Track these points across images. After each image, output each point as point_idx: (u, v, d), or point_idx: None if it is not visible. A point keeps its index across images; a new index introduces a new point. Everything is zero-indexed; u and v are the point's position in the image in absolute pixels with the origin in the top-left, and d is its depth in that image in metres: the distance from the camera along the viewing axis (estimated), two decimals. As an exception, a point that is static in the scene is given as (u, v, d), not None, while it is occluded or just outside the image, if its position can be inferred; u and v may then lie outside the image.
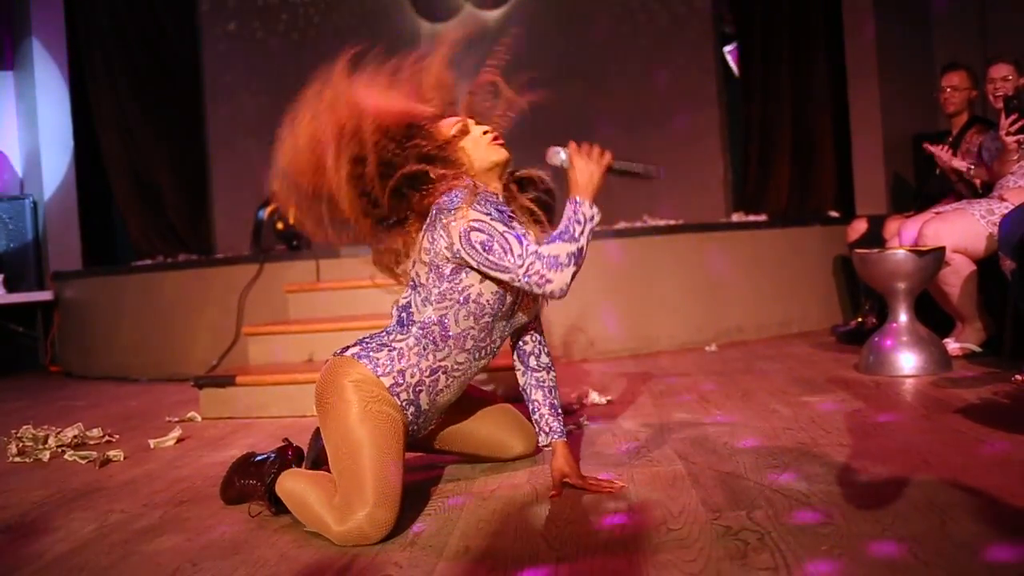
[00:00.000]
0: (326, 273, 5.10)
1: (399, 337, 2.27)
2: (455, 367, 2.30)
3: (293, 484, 2.22)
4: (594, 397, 3.58)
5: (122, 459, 3.13)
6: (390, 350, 2.25)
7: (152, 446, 3.32)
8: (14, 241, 6.45)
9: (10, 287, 6.34)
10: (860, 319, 4.89)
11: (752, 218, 6.22)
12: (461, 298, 2.22)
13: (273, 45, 8.06)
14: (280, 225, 5.58)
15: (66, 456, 3.21)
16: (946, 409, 2.95)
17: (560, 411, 2.46)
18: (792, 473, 2.28)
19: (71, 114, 6.78)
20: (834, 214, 6.25)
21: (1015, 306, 3.62)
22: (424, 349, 2.25)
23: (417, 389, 2.26)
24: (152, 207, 7.36)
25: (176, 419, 3.86)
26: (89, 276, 6.20)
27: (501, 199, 2.30)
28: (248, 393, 3.89)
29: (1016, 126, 3.89)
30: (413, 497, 2.36)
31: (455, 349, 2.27)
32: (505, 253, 2.09)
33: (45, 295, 6.39)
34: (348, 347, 2.30)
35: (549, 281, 2.07)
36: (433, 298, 2.23)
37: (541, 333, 2.53)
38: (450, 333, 2.25)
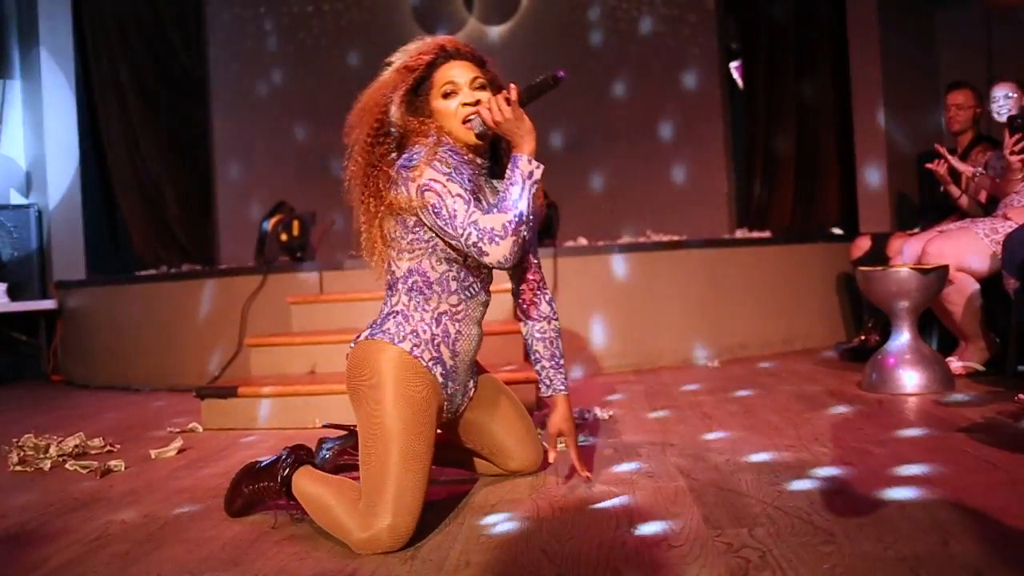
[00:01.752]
0: (329, 285, 5.10)
1: (394, 301, 2.32)
2: (453, 309, 2.33)
3: (312, 487, 2.23)
4: (596, 412, 3.57)
5: (123, 469, 3.13)
6: (394, 316, 2.29)
7: (153, 456, 3.31)
8: (18, 250, 6.46)
9: (14, 296, 6.34)
10: (863, 337, 4.88)
11: (756, 234, 6.22)
12: (429, 247, 2.27)
13: (279, 59, 8.09)
14: (284, 237, 5.59)
15: (67, 466, 3.20)
16: (949, 428, 2.95)
17: (562, 363, 2.48)
18: (794, 490, 2.27)
19: (77, 123, 6.80)
20: (838, 231, 6.25)
21: (1018, 325, 3.62)
22: (416, 302, 2.29)
23: (435, 342, 2.29)
24: (156, 217, 7.37)
25: (177, 430, 3.86)
26: (92, 286, 6.21)
27: (470, 159, 2.34)
28: (250, 404, 3.89)
29: (1020, 145, 3.89)
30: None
31: (443, 292, 2.31)
32: (450, 218, 2.13)
33: (48, 304, 6.40)
34: (359, 335, 2.34)
35: (486, 253, 2.10)
36: (404, 248, 2.28)
37: (541, 281, 2.54)
38: (431, 278, 2.29)
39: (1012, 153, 3.92)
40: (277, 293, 5.10)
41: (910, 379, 3.67)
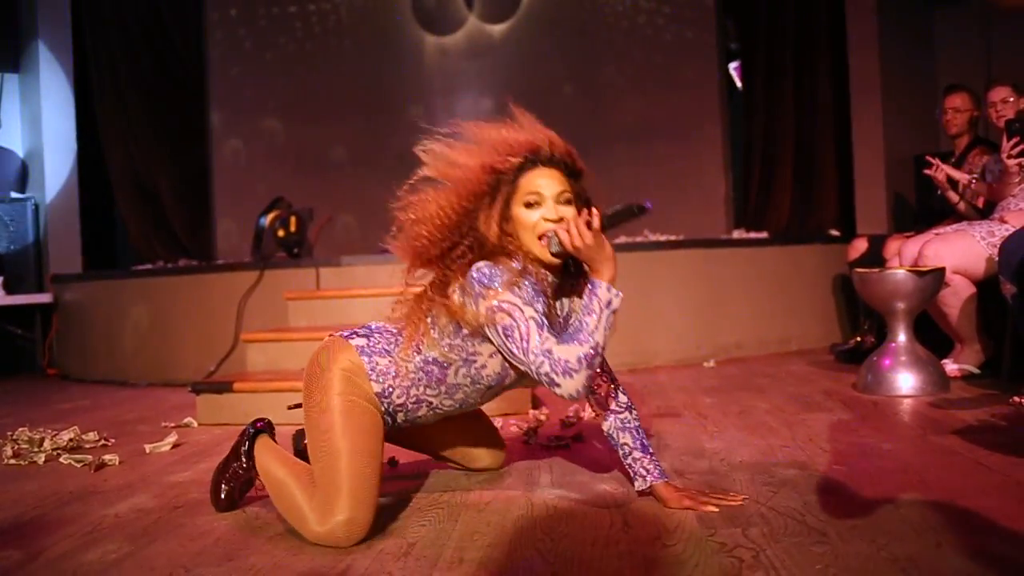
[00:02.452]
0: (326, 281, 5.10)
1: (403, 356, 2.23)
2: (439, 406, 2.31)
3: (274, 467, 2.27)
4: (591, 411, 3.57)
5: (117, 463, 3.12)
6: (391, 361, 2.24)
7: (148, 451, 3.31)
8: (15, 243, 6.45)
9: (10, 289, 6.33)
10: (859, 338, 4.89)
11: (753, 235, 6.23)
12: (464, 359, 2.21)
13: (278, 56, 8.07)
14: (281, 232, 5.58)
15: (61, 459, 3.20)
16: (943, 430, 2.95)
17: (652, 450, 2.35)
18: (788, 491, 2.27)
19: (75, 117, 6.79)
20: (835, 233, 6.25)
21: (1014, 329, 3.62)
22: (419, 380, 2.24)
23: (397, 409, 2.27)
24: (153, 212, 7.36)
25: (172, 424, 3.85)
26: (89, 280, 6.20)
27: (543, 278, 2.22)
28: (245, 400, 3.88)
29: (1017, 149, 3.89)
30: (408, 506, 2.36)
31: (444, 395, 2.28)
32: (523, 341, 2.04)
33: (44, 298, 6.39)
34: (356, 333, 2.31)
35: (557, 385, 2.01)
36: (443, 344, 2.21)
37: (611, 373, 2.42)
38: (447, 381, 2.25)
39: (1009, 157, 3.93)
40: (274, 289, 5.10)
41: (905, 381, 3.67)
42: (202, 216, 7.73)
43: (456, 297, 2.15)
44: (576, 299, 2.31)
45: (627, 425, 2.36)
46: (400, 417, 2.30)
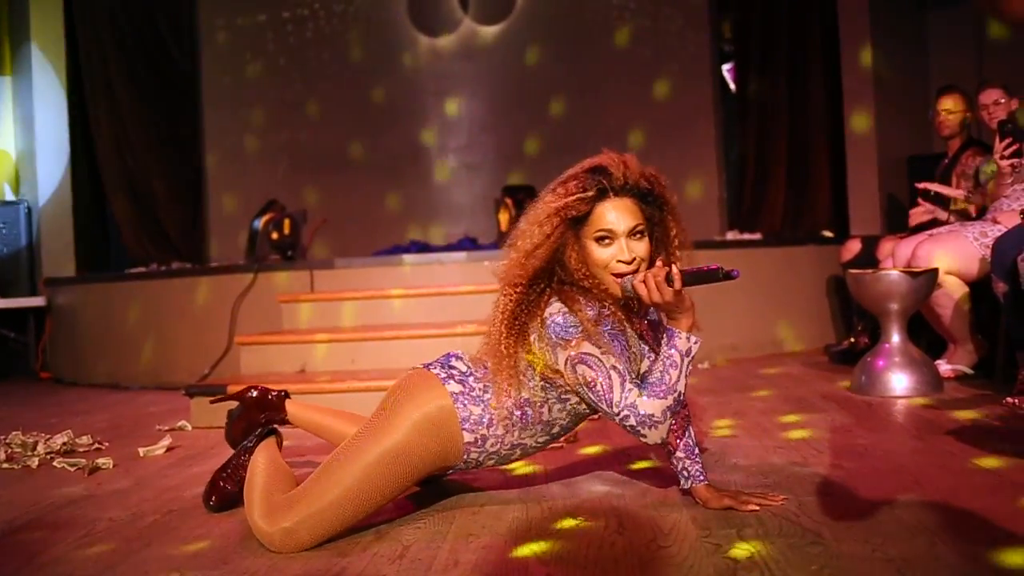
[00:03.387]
0: (320, 284, 5.09)
1: (495, 403, 2.19)
2: (535, 445, 2.29)
3: (263, 461, 2.31)
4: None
5: (111, 467, 3.11)
6: (484, 409, 2.19)
7: (142, 454, 3.30)
8: (7, 246, 6.43)
9: (2, 292, 6.31)
10: (853, 339, 4.90)
11: (747, 236, 6.23)
12: (558, 396, 2.20)
13: (271, 57, 8.07)
14: (275, 235, 5.58)
15: (55, 463, 3.19)
16: (937, 430, 2.96)
17: (698, 451, 2.32)
18: (783, 492, 2.27)
19: (67, 120, 6.77)
20: (828, 234, 6.26)
21: (1007, 329, 3.63)
22: (513, 425, 2.20)
23: (489, 457, 2.25)
24: (146, 215, 7.33)
25: (166, 428, 3.84)
26: (82, 283, 6.19)
27: (621, 317, 2.18)
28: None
29: (1010, 150, 3.91)
30: (403, 510, 2.36)
31: (541, 432, 2.25)
32: (606, 393, 2.03)
33: (37, 301, 6.37)
34: (451, 376, 2.23)
35: (644, 436, 2.02)
36: (533, 386, 2.18)
37: None
38: (543, 419, 2.22)
39: (1002, 158, 3.94)
40: (268, 291, 5.09)
41: (899, 382, 3.68)
42: (195, 219, 7.72)
43: (536, 345, 2.13)
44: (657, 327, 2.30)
45: (677, 427, 2.31)
46: (490, 463, 2.28)
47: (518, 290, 2.14)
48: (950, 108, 4.69)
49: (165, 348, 5.45)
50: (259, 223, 5.65)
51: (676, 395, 2.03)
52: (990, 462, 2.49)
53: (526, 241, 2.14)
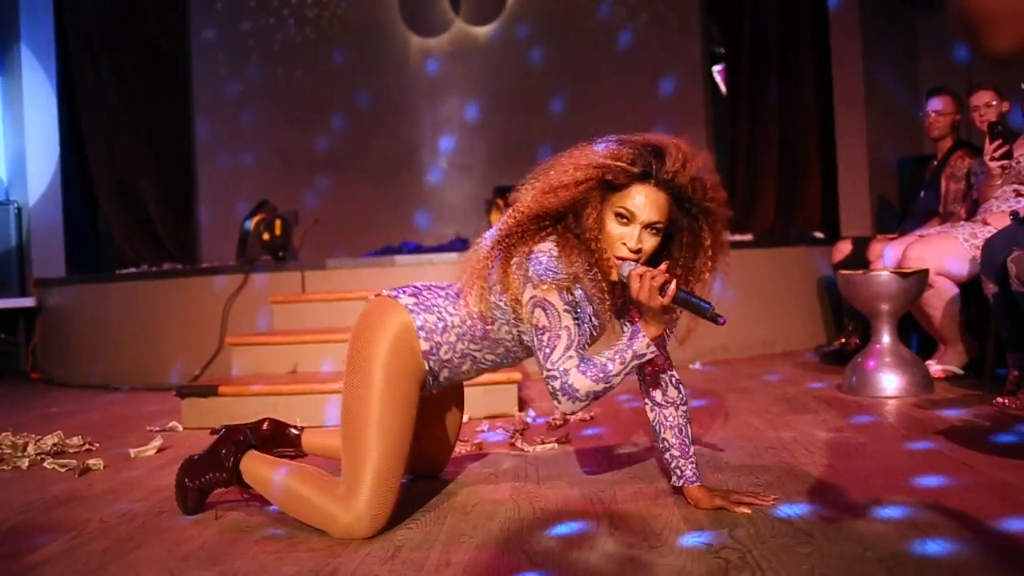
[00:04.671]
0: (312, 284, 5.09)
1: (451, 309, 2.27)
2: (483, 360, 2.33)
3: (276, 477, 2.25)
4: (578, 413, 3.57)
5: (102, 468, 3.10)
6: (439, 316, 2.26)
7: (133, 455, 3.29)
8: (-3, 247, 6.42)
9: (-8, 293, 6.30)
10: (843, 340, 4.91)
11: (738, 237, 6.24)
12: (507, 320, 2.23)
13: (262, 59, 8.06)
14: (266, 236, 5.57)
15: (45, 464, 3.18)
16: (928, 431, 2.97)
17: (692, 451, 2.31)
18: (774, 492, 2.28)
19: (58, 121, 6.76)
20: (819, 235, 6.28)
21: (997, 329, 3.65)
22: (463, 334, 2.26)
23: (444, 365, 2.29)
24: (137, 215, 7.32)
25: (157, 428, 3.84)
26: (72, 283, 6.17)
27: (602, 287, 2.17)
28: (231, 404, 3.87)
29: (1000, 151, 3.93)
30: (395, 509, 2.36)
31: (487, 349, 2.30)
32: (548, 347, 2.07)
33: (27, 302, 6.35)
34: (404, 290, 2.32)
35: (558, 400, 2.08)
36: (492, 302, 2.22)
37: (668, 361, 2.37)
38: (489, 336, 2.27)
39: (992, 159, 3.96)
40: (259, 292, 5.09)
41: (889, 382, 3.69)
42: (186, 219, 7.70)
43: (513, 269, 2.15)
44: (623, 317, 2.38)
45: (669, 422, 2.32)
46: (444, 374, 2.32)
47: (523, 216, 2.17)
48: (940, 110, 4.71)
49: (156, 349, 5.44)
50: (250, 224, 5.63)
51: (608, 385, 2.07)
52: (980, 461, 2.50)
53: (555, 177, 2.15)
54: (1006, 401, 3.29)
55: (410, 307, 2.26)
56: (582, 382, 2.05)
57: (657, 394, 2.35)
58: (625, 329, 2.27)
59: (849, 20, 6.26)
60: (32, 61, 6.62)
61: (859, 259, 4.83)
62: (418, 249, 6.96)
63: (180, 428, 3.88)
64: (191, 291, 5.38)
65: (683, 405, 2.35)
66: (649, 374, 2.35)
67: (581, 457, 2.90)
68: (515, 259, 2.15)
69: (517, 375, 3.86)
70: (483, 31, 8.09)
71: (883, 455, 2.67)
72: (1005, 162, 3.96)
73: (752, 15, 7.14)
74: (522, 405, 3.88)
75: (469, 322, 2.25)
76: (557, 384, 2.05)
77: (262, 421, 2.68)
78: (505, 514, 2.27)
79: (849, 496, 2.23)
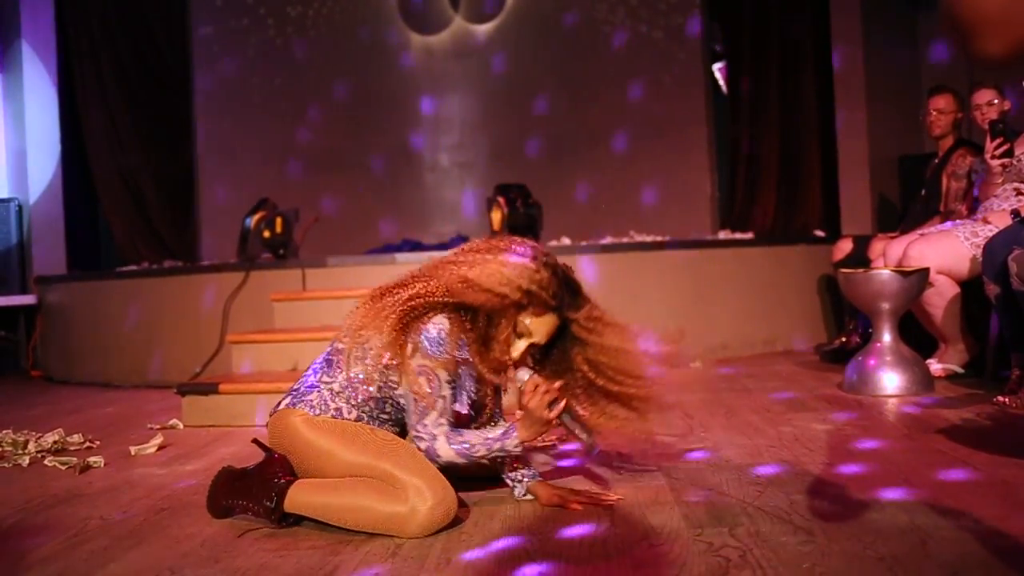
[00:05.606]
0: (312, 282, 5.08)
1: (326, 379, 2.33)
2: (381, 420, 2.34)
3: (328, 499, 2.19)
4: (577, 411, 3.56)
5: (102, 465, 3.10)
6: (319, 392, 2.32)
7: (133, 453, 3.29)
8: (-2, 244, 6.42)
9: (-7, 290, 6.30)
10: (844, 338, 4.91)
11: (738, 236, 6.24)
12: (388, 386, 2.28)
13: (263, 56, 8.05)
14: (267, 233, 5.56)
15: (46, 462, 3.18)
16: (928, 429, 2.97)
17: (524, 458, 2.41)
18: (774, 490, 2.28)
19: (59, 118, 6.76)
20: (820, 233, 6.28)
21: (998, 329, 3.65)
22: (348, 400, 2.30)
23: (359, 419, 2.31)
24: (138, 213, 7.32)
25: (158, 426, 3.83)
26: (73, 281, 6.17)
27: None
28: (231, 401, 3.87)
29: (1001, 150, 3.92)
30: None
31: (377, 410, 2.32)
32: (422, 410, 2.18)
33: (28, 299, 6.35)
34: (278, 404, 2.38)
35: (423, 453, 2.19)
36: (369, 365, 2.27)
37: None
38: (372, 397, 2.30)
39: (993, 157, 3.95)
40: (259, 290, 5.08)
41: (890, 381, 3.69)
42: (187, 217, 7.70)
43: (406, 334, 2.20)
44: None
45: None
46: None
47: (438, 294, 2.22)
48: (941, 108, 4.70)
49: (156, 347, 5.44)
50: (251, 221, 5.63)
51: (467, 460, 2.20)
52: (980, 460, 2.50)
53: (483, 277, 2.20)
54: (1007, 400, 3.29)
55: (292, 404, 2.32)
56: (446, 451, 2.17)
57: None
58: (503, 421, 2.44)
59: (850, 18, 6.25)
60: (33, 58, 6.62)
61: (860, 257, 4.83)
62: (418, 247, 6.96)
63: (180, 426, 3.88)
64: (192, 289, 5.38)
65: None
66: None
67: (581, 456, 2.89)
68: (411, 324, 2.20)
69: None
70: (484, 28, 8.08)
71: (883, 454, 2.67)
72: (1006, 160, 3.95)
73: (753, 12, 7.14)
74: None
75: (351, 387, 2.30)
76: (424, 445, 2.18)
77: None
78: (506, 512, 2.27)
79: (849, 494, 2.23)
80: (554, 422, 2.18)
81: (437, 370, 2.18)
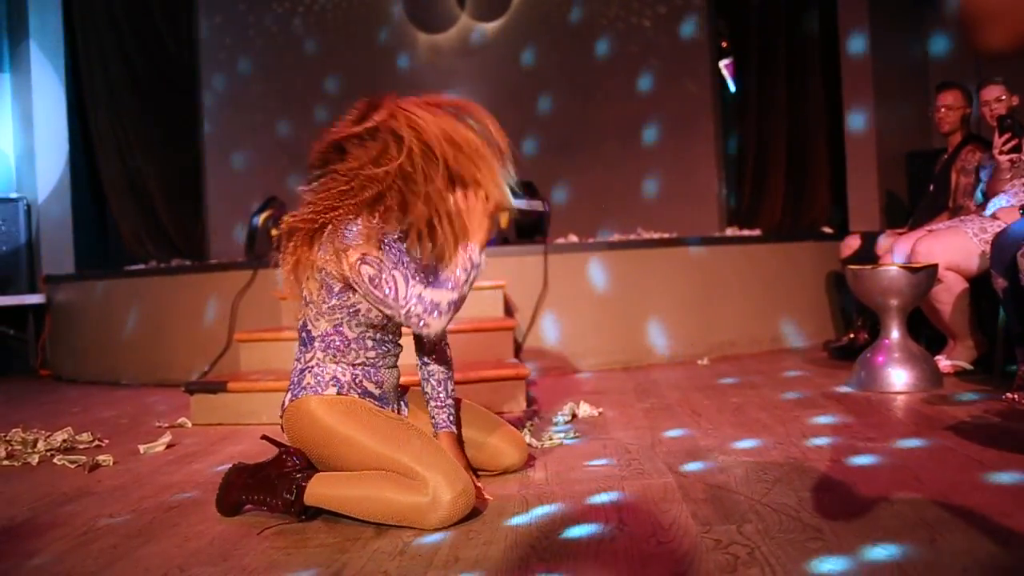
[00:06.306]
0: (320, 280, 5.08)
1: (307, 356, 2.38)
2: (370, 360, 2.40)
3: (346, 491, 2.21)
4: (585, 409, 3.57)
5: (111, 464, 3.11)
6: (310, 371, 2.36)
7: (142, 451, 3.30)
8: (6, 243, 6.43)
9: (1, 290, 6.31)
10: (852, 335, 4.90)
11: (746, 232, 6.23)
12: (350, 312, 2.33)
13: (270, 54, 8.07)
14: (275, 232, 5.57)
15: (55, 460, 3.19)
16: (936, 426, 2.96)
17: (448, 402, 2.52)
18: (782, 487, 2.28)
19: (67, 117, 6.78)
20: (827, 230, 6.27)
21: (1007, 324, 3.63)
22: (333, 358, 2.35)
23: (357, 380, 2.36)
24: (145, 212, 7.35)
25: (166, 425, 3.85)
26: (81, 280, 6.19)
27: (401, 236, 2.38)
28: (239, 400, 3.88)
29: (1009, 145, 3.91)
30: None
31: (360, 348, 2.37)
32: (391, 290, 2.22)
33: (37, 298, 6.37)
34: (283, 403, 2.41)
35: (427, 325, 2.25)
36: (324, 311, 2.33)
37: (445, 335, 2.57)
38: (349, 339, 2.35)
39: (1001, 153, 3.94)
40: (267, 288, 5.09)
41: (898, 377, 3.68)
42: (195, 216, 7.73)
43: (320, 253, 2.25)
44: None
45: (433, 377, 2.53)
46: (373, 388, 2.40)
47: (330, 209, 2.27)
48: (950, 104, 4.69)
49: (165, 345, 5.45)
50: (259, 220, 5.64)
51: (462, 294, 2.27)
52: (989, 457, 2.50)
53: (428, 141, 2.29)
54: (1015, 397, 3.28)
55: (294, 397, 2.35)
56: (439, 295, 2.24)
57: (427, 357, 2.54)
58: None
59: (857, 13, 6.24)
60: (41, 57, 6.64)
61: (868, 254, 4.82)
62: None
63: (189, 424, 3.89)
64: (200, 287, 5.39)
65: (445, 366, 2.55)
66: (427, 342, 2.52)
67: (589, 452, 2.89)
68: (318, 249, 2.27)
69: (525, 371, 3.86)
70: (490, 27, 8.08)
71: (891, 451, 2.66)
72: (1014, 156, 3.94)
73: (759, 9, 7.13)
74: (530, 401, 3.88)
75: (326, 345, 2.35)
76: (419, 309, 2.22)
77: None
78: (513, 510, 2.27)
79: (857, 492, 2.23)
80: (492, 214, 2.32)
81: (369, 250, 2.23)
